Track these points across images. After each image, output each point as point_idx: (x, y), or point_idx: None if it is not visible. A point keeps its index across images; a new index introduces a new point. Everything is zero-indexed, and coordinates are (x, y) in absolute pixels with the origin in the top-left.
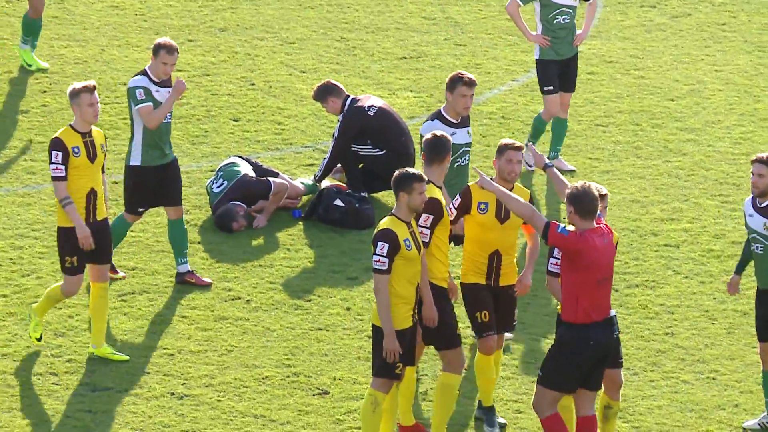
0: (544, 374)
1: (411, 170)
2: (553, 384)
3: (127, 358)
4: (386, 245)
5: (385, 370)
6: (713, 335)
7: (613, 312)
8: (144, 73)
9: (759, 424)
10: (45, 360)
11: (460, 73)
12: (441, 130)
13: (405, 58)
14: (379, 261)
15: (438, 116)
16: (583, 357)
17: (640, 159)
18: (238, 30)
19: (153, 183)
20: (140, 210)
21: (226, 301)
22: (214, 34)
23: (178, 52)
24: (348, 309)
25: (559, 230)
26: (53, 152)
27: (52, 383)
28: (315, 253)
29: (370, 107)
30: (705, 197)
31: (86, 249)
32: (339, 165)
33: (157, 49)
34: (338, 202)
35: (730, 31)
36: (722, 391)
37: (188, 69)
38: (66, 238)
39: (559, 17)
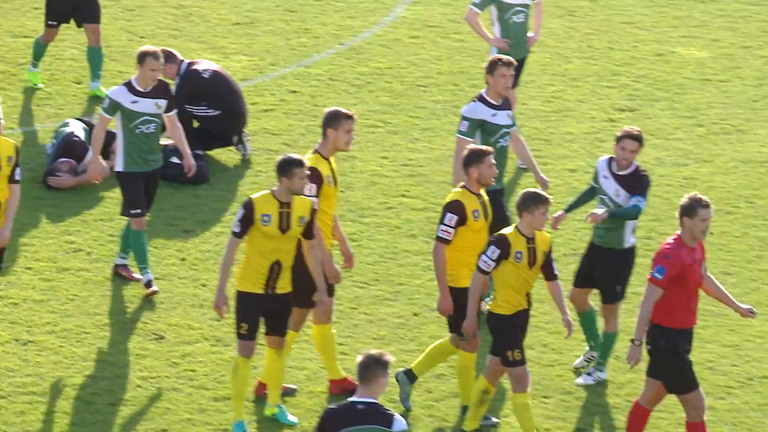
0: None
1: (292, 156)
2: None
3: None
4: None
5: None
6: None
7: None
8: (127, 84)
9: (585, 360)
10: None
11: (498, 57)
12: (482, 111)
13: (238, 23)
14: None
15: (480, 99)
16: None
17: (457, 117)
18: None
19: (140, 186)
20: (133, 212)
21: (68, 253)
22: None
23: (162, 56)
24: (183, 259)
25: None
26: None
27: None
28: (153, 207)
29: (205, 71)
30: None
31: None
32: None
33: (143, 57)
34: (175, 160)
35: None
36: (532, 332)
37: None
38: None
39: (515, 17)
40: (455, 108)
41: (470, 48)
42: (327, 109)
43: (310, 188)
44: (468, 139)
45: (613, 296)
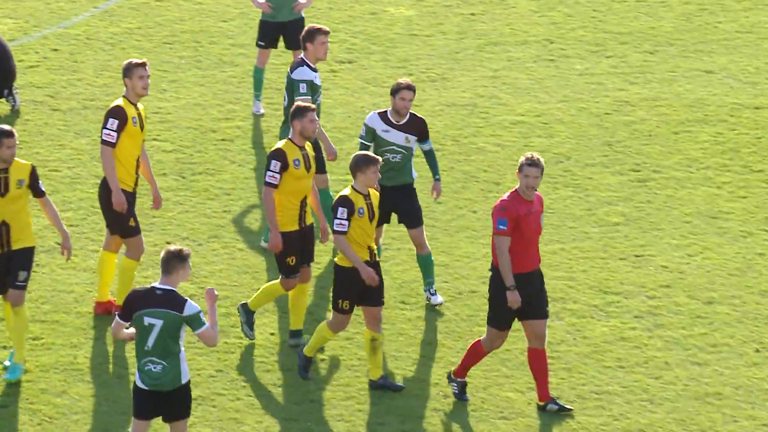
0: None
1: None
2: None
3: None
4: None
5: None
6: None
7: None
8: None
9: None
10: None
11: (318, 26)
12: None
13: None
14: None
15: (303, 62)
16: None
17: (200, 70)
18: None
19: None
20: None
21: None
22: None
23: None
24: None
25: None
26: None
27: None
28: None
29: None
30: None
31: None
32: None
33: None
34: None
35: None
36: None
37: None
38: None
39: None
40: (198, 62)
41: (209, 10)
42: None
43: (111, 124)
44: (308, 97)
45: (418, 220)
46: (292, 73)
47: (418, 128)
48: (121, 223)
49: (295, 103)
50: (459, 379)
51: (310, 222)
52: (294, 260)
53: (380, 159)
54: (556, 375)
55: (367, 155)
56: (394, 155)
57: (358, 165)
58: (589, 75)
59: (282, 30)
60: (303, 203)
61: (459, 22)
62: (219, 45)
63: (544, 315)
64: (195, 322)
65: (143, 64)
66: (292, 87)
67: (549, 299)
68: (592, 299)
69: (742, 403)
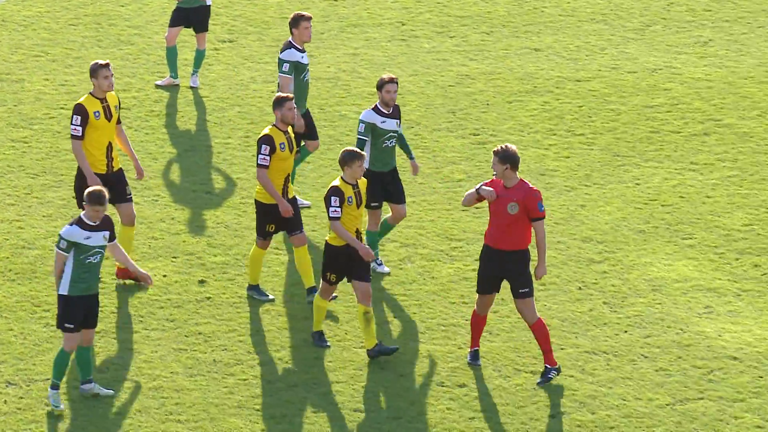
0: (531, 288)
1: None
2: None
3: None
4: None
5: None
6: None
7: None
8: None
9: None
10: None
11: (301, 13)
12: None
13: None
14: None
15: (290, 44)
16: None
17: (101, 48)
18: None
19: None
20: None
21: None
22: None
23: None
24: None
25: (543, 208)
26: None
27: None
28: None
29: None
30: None
31: None
32: None
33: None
34: None
35: None
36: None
37: None
38: None
39: None
40: (99, 42)
41: None
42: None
43: (75, 120)
44: (288, 76)
45: (404, 196)
46: (281, 53)
47: (399, 114)
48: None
49: (276, 95)
50: (472, 349)
51: (292, 195)
52: (273, 227)
53: (364, 154)
54: (409, 310)
55: (353, 150)
56: (392, 140)
57: (345, 160)
58: (436, 52)
59: (189, 14)
60: (286, 180)
61: (324, 7)
62: (117, 26)
63: (517, 295)
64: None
65: (107, 65)
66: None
67: (401, 245)
68: (439, 245)
69: (567, 333)
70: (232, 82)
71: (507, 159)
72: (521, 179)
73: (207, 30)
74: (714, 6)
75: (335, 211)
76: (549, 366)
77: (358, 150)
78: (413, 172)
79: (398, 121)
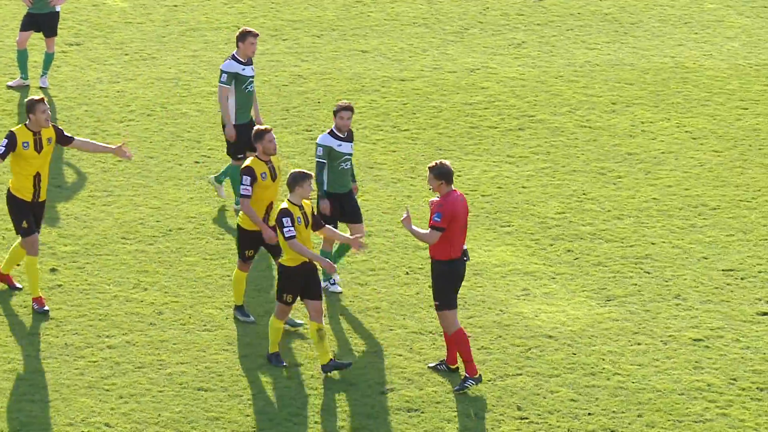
0: (442, 302)
1: None
2: (451, 305)
3: None
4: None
5: None
6: None
7: (465, 246)
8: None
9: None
10: None
11: (248, 29)
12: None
13: None
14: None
15: (233, 57)
16: (459, 280)
17: None
18: None
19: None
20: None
21: None
22: None
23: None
24: None
25: (437, 219)
26: None
27: None
28: None
29: None
30: None
31: None
32: None
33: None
34: None
35: None
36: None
37: None
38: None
39: None
40: None
41: None
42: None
43: (3, 143)
44: (227, 86)
45: (361, 216)
46: (222, 64)
47: (353, 138)
48: (15, 224)
49: (255, 128)
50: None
51: (272, 225)
52: (252, 253)
53: (312, 174)
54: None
55: (303, 172)
56: (347, 163)
57: (296, 180)
58: (270, 54)
59: (39, 20)
60: (268, 208)
61: (164, 12)
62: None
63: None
64: None
65: (42, 100)
66: None
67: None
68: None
69: (396, 315)
70: (80, 83)
71: (442, 176)
72: (454, 190)
73: (56, 34)
74: (527, 10)
75: (290, 230)
76: (468, 375)
77: (307, 171)
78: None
79: (352, 144)
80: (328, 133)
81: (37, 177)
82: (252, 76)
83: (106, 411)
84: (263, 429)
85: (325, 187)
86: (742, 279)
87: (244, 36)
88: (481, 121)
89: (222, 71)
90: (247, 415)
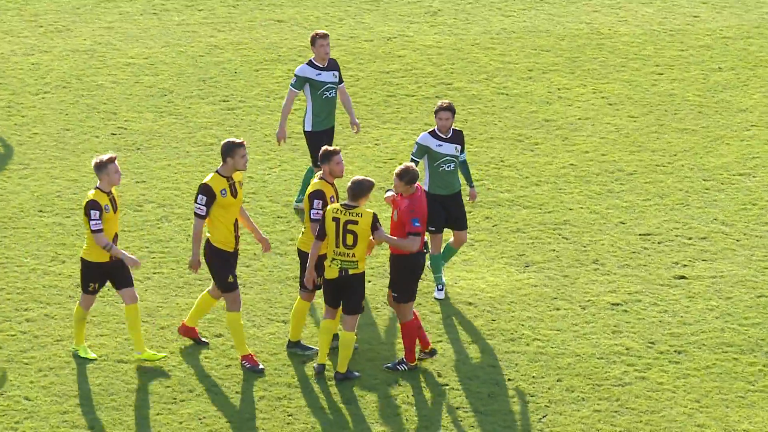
0: (402, 295)
1: None
2: (412, 297)
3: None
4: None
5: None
6: None
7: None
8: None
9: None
10: None
11: (317, 32)
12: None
13: None
14: None
15: (309, 63)
16: (421, 272)
17: None
18: None
19: None
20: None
21: None
22: None
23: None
24: None
25: (416, 224)
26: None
27: None
28: None
29: None
30: None
31: None
32: None
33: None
34: None
35: None
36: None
37: None
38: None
39: None
40: None
41: None
42: None
43: None
44: (294, 90)
45: (465, 224)
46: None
47: (460, 140)
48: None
49: (323, 148)
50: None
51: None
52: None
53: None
54: (168, 266)
55: (234, 140)
56: (450, 165)
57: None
58: (186, 25)
59: None
60: (236, 225)
61: None
62: None
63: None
64: None
65: (242, 144)
66: None
67: (158, 205)
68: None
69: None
70: None
71: (412, 180)
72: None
73: None
74: None
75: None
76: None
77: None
78: (470, 198)
79: (458, 146)
80: (429, 132)
81: (236, 225)
82: (331, 82)
83: (25, 384)
84: (183, 400)
85: (427, 188)
86: (659, 243)
87: (313, 39)
88: (398, 89)
89: (294, 75)
90: (167, 386)
